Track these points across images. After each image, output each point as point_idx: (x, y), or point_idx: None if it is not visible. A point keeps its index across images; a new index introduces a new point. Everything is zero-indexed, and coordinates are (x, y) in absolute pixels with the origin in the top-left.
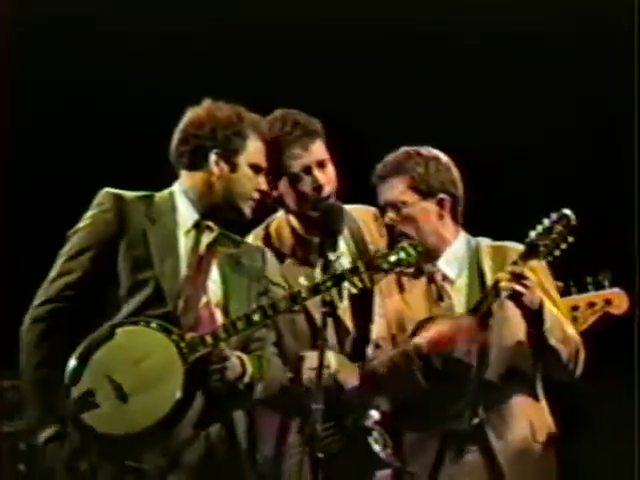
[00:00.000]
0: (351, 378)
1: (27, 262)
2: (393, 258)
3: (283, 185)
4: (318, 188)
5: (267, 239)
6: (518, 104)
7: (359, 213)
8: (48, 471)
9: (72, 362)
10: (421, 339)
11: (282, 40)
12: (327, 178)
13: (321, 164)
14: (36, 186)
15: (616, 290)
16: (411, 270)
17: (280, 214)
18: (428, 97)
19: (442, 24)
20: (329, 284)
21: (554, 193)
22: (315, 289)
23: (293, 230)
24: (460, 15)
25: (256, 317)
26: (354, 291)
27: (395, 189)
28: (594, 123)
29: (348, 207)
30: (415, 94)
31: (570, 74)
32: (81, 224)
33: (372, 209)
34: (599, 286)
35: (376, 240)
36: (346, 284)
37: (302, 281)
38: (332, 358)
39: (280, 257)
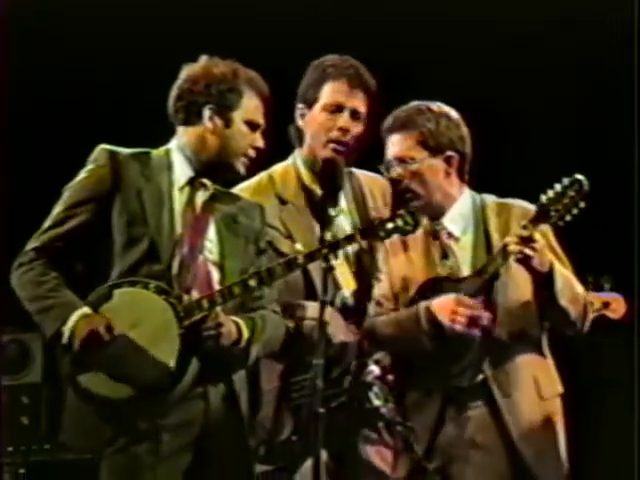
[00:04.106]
0: (339, 332)
1: (24, 217)
2: (390, 226)
3: (310, 115)
4: (344, 130)
5: (270, 184)
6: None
7: (367, 179)
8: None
9: None
10: (431, 303)
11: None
12: (355, 130)
13: (357, 115)
14: (35, 143)
15: (615, 295)
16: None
17: (286, 162)
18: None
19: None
20: (325, 251)
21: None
22: (311, 256)
23: (299, 178)
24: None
25: (252, 282)
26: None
27: (404, 144)
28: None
29: (358, 172)
30: (429, 54)
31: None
32: (77, 179)
33: (381, 179)
34: (599, 288)
35: (379, 207)
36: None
37: (298, 247)
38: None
39: (281, 201)
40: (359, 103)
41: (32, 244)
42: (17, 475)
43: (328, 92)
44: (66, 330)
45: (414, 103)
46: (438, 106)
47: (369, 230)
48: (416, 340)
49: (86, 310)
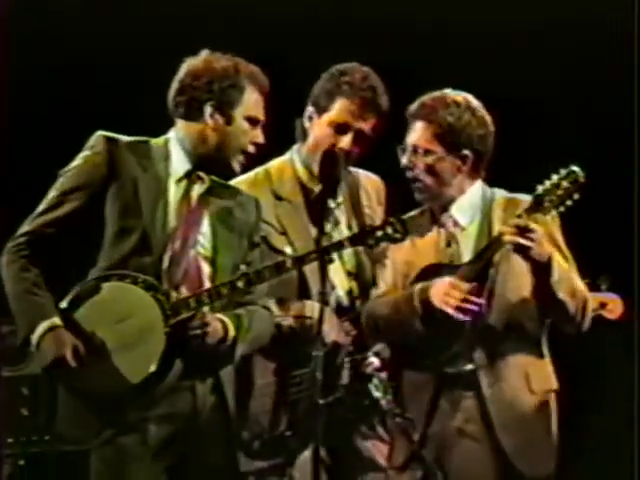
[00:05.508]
0: (332, 332)
1: (21, 202)
2: (379, 234)
3: (317, 122)
4: (346, 153)
5: (266, 179)
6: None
7: (363, 177)
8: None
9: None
10: (425, 285)
11: None
12: (355, 151)
13: (361, 136)
14: (35, 143)
15: (612, 295)
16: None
17: (283, 158)
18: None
19: None
20: (313, 257)
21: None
22: (300, 260)
23: (296, 176)
24: None
25: (240, 284)
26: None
27: (422, 134)
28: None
29: (355, 170)
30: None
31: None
32: (72, 164)
33: (377, 178)
34: (596, 289)
35: (373, 206)
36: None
37: (287, 250)
38: (317, 308)
39: (277, 198)
40: (367, 125)
41: (24, 228)
42: (17, 466)
43: (339, 109)
44: (33, 340)
45: (444, 91)
46: (465, 99)
47: (358, 237)
48: (409, 322)
49: (54, 321)
